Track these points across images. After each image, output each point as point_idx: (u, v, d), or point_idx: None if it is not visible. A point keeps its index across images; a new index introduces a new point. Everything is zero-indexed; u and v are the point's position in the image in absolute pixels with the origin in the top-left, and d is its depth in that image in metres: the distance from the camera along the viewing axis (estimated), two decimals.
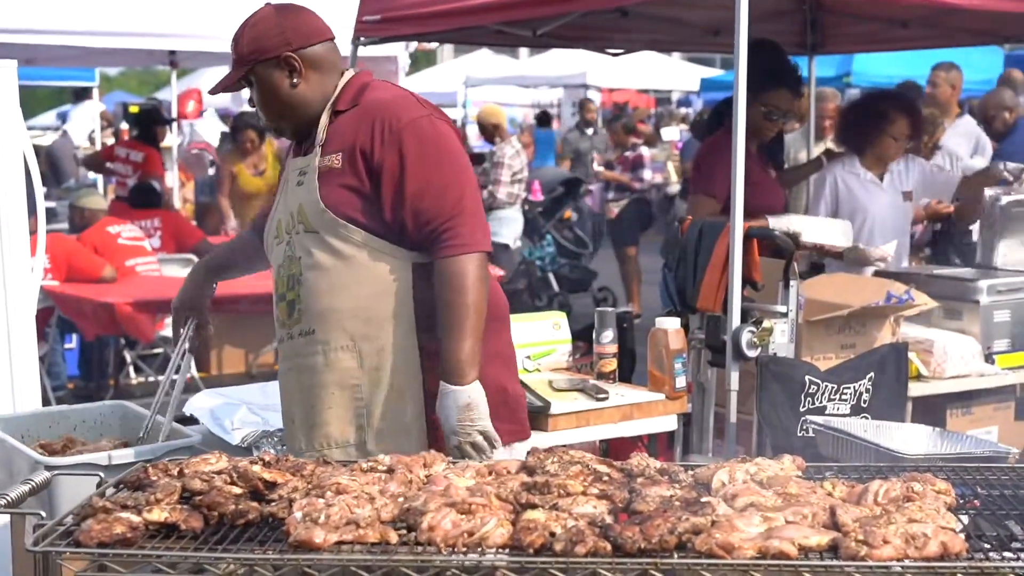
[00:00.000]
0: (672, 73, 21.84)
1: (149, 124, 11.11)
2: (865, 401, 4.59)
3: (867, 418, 4.34)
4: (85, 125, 17.02)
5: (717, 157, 4.99)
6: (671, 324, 4.41)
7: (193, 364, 8.30)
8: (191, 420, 3.95)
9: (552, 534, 2.20)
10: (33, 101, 21.91)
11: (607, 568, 2.12)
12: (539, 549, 2.18)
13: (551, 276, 11.73)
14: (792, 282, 4.53)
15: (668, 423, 4.39)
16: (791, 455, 2.69)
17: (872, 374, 4.61)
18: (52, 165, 14.82)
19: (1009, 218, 5.59)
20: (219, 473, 2.56)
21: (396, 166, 3.11)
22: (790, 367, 4.52)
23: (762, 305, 4.56)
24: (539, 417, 4.05)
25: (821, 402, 4.50)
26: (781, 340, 4.51)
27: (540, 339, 4.73)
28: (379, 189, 3.13)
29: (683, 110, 20.72)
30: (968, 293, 5.26)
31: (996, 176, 5.88)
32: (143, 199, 9.50)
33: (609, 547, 2.16)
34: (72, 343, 8.84)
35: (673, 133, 17.31)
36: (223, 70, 3.81)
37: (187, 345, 3.64)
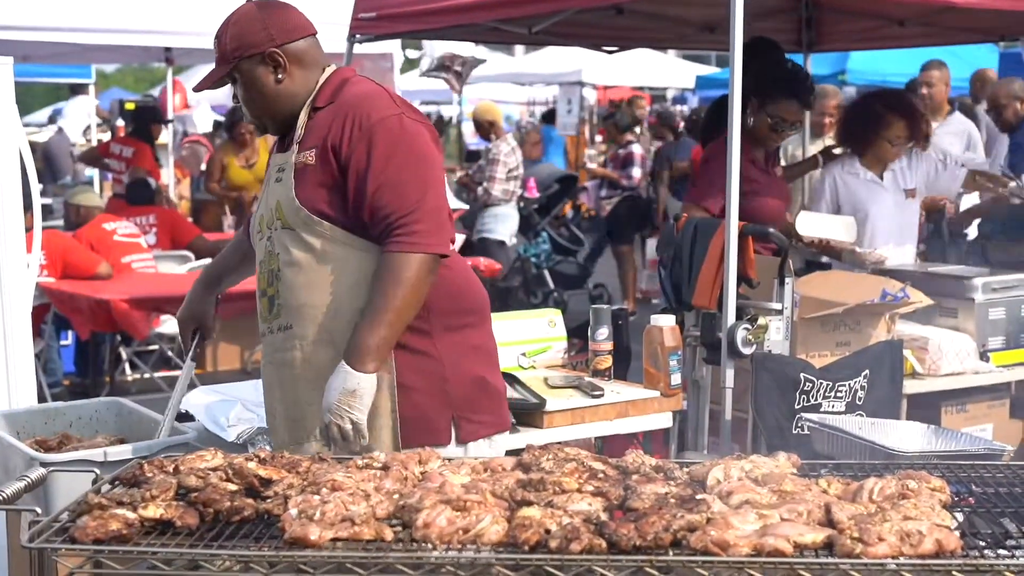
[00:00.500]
0: (667, 70, 21.81)
1: (145, 121, 11.11)
2: (860, 398, 4.60)
3: (862, 415, 4.34)
4: (80, 121, 17.00)
5: (716, 166, 4.95)
6: (666, 321, 4.41)
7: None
8: (187, 417, 3.95)
9: (547, 531, 2.20)
10: (29, 98, 21.86)
11: (602, 565, 2.12)
12: (534, 546, 2.18)
13: (546, 273, 11.72)
14: (787, 279, 4.53)
15: (663, 420, 4.40)
16: (786, 452, 2.69)
17: (867, 371, 4.61)
18: (48, 162, 14.81)
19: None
20: (215, 470, 2.56)
21: (362, 163, 3.12)
22: (785, 364, 4.52)
23: (757, 302, 4.57)
24: (534, 414, 4.06)
25: (816, 399, 4.50)
26: (776, 337, 4.52)
27: (535, 336, 4.73)
28: (347, 184, 3.15)
29: (678, 107, 20.68)
30: (963, 291, 5.26)
31: (1004, 192, 5.88)
32: (138, 195, 9.50)
33: (604, 544, 2.16)
34: (68, 340, 8.84)
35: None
36: None
37: (195, 352, 3.71)
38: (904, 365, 4.80)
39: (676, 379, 4.38)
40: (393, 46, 9.21)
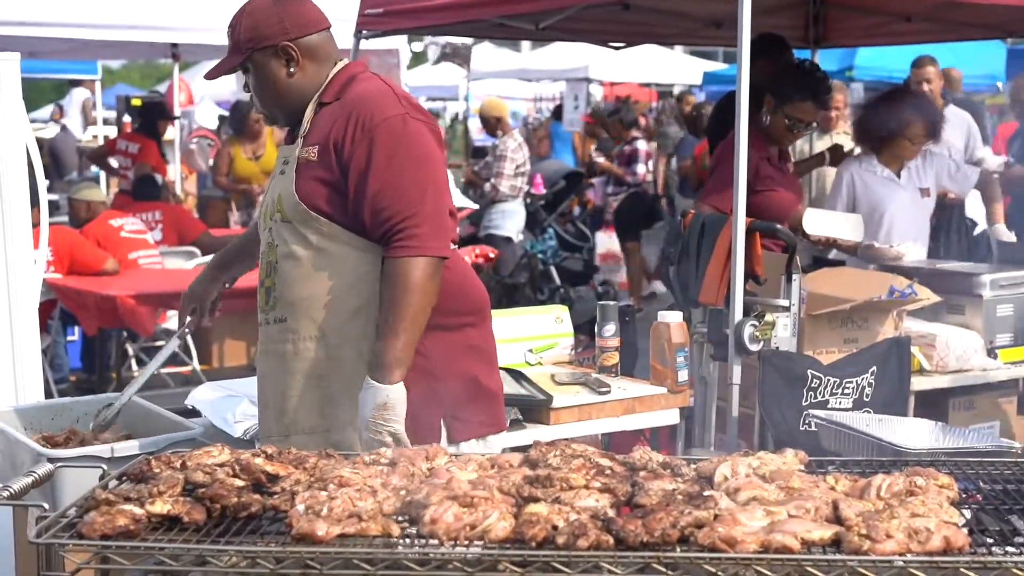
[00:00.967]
0: (674, 66, 21.79)
1: (152, 117, 11.11)
2: (867, 395, 4.59)
3: (869, 412, 4.34)
4: (79, 115, 17.03)
5: (731, 168, 4.92)
6: (673, 318, 4.40)
7: (195, 357, 8.33)
8: (193, 413, 3.95)
9: (554, 527, 2.20)
10: (35, 94, 21.89)
11: (609, 561, 2.12)
12: (541, 542, 2.18)
13: (553, 269, 11.73)
14: (794, 276, 4.53)
15: (670, 417, 4.40)
16: (793, 449, 2.69)
17: (874, 368, 4.61)
18: (54, 158, 14.82)
19: None
20: (221, 466, 2.56)
21: (363, 163, 3.12)
22: (792, 361, 4.52)
23: (764, 299, 4.56)
24: (541, 411, 4.06)
25: (823, 396, 4.50)
26: (783, 334, 4.51)
27: (542, 332, 4.73)
28: (347, 184, 3.15)
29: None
30: (971, 287, 5.25)
31: None
32: (144, 191, 9.50)
33: (611, 540, 2.16)
34: (74, 336, 8.84)
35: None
36: None
37: (185, 330, 3.77)
38: (912, 362, 4.79)
39: (683, 375, 4.37)
40: (400, 42, 9.20)
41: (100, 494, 2.37)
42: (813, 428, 4.08)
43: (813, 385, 4.48)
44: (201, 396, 4.04)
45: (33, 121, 14.83)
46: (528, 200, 11.41)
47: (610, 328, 4.54)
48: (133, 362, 8.90)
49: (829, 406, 4.47)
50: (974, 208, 7.63)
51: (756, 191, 4.52)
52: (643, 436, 4.57)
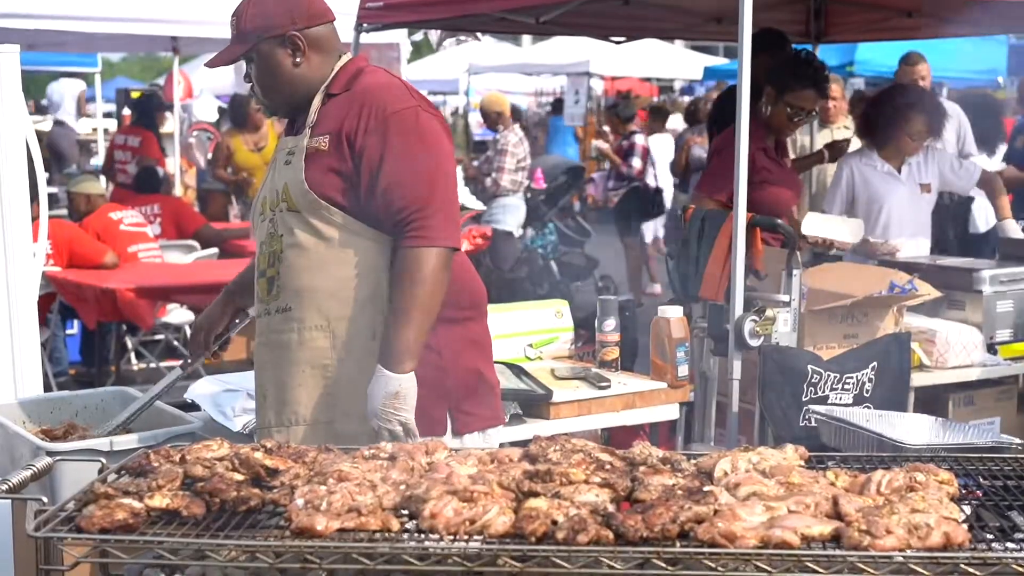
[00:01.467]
0: (675, 61, 21.79)
1: (148, 109, 11.10)
2: (867, 391, 4.59)
3: (869, 408, 4.33)
4: (72, 106, 17.01)
5: (727, 156, 4.93)
6: (673, 313, 4.40)
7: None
8: (192, 407, 3.95)
9: (554, 522, 2.20)
10: (35, 87, 21.86)
11: (609, 556, 2.11)
12: (541, 537, 2.17)
13: (553, 264, 11.71)
14: (795, 271, 4.53)
15: (670, 412, 4.40)
16: (794, 444, 2.69)
17: (875, 364, 4.60)
18: (53, 151, 14.80)
19: None
20: (221, 460, 2.56)
21: (376, 154, 3.12)
22: (793, 356, 4.51)
23: (765, 294, 4.56)
24: (541, 405, 4.05)
25: (824, 391, 4.50)
26: (784, 329, 4.51)
27: (542, 327, 4.73)
28: (360, 174, 3.15)
29: (686, 98, 20.64)
30: (971, 283, 5.25)
31: None
32: (143, 184, 9.50)
33: (611, 535, 2.16)
34: (74, 329, 8.84)
35: (676, 122, 17.23)
36: None
37: (189, 362, 3.75)
38: (912, 357, 4.79)
39: (683, 371, 4.37)
40: (400, 36, 9.20)
41: (99, 488, 2.37)
42: (813, 423, 4.08)
43: (813, 380, 4.48)
44: (200, 390, 4.03)
45: (33, 114, 14.83)
46: (528, 194, 11.41)
47: (610, 323, 4.54)
48: (132, 355, 8.90)
49: (829, 401, 4.47)
50: (980, 207, 7.61)
51: (751, 183, 4.51)
52: (643, 431, 4.57)
